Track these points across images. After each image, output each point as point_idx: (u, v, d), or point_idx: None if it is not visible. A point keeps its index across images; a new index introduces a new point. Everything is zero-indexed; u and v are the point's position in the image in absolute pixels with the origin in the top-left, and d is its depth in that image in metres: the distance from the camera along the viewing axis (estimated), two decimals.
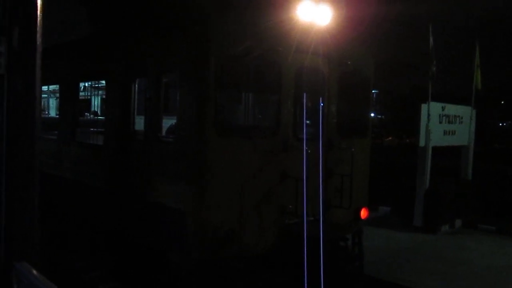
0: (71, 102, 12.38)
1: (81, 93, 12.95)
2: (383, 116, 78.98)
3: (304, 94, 9.20)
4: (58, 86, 13.93)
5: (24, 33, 4.32)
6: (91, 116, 14.30)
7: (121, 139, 10.09)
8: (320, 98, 9.74)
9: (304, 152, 8.71)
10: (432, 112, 16.37)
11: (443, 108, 17.20)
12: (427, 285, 11.38)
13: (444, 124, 17.34)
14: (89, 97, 13.95)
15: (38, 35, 4.33)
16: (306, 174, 8.83)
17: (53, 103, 18.28)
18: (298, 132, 9.34)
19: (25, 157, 4.43)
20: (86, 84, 13.00)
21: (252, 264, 8.71)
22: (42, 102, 17.07)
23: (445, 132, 17.45)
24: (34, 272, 4.06)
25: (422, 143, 16.41)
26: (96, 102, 14.32)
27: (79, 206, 11.98)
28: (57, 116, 13.89)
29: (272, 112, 9.86)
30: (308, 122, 9.91)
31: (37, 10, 4.34)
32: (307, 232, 8.50)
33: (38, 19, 4.35)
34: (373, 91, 11.79)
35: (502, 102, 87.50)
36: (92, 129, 12.11)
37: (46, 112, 18.29)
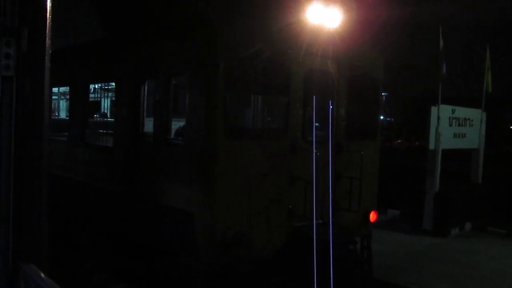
0: (81, 104, 12.41)
1: (91, 95, 12.96)
2: (392, 119, 78.70)
3: (313, 96, 9.18)
4: (68, 88, 13.97)
5: (33, 34, 4.33)
6: (101, 118, 14.32)
7: (130, 141, 10.10)
8: (330, 101, 9.71)
9: (314, 154, 8.69)
10: (442, 115, 16.30)
11: (453, 111, 17.12)
12: None
13: (454, 127, 17.26)
14: (99, 99, 13.97)
15: (47, 37, 4.34)
16: (316, 176, 8.81)
17: (63, 105, 18.33)
18: (307, 135, 9.32)
19: (34, 159, 4.43)
20: (96, 86, 13.01)
21: (260, 267, 8.69)
22: (53, 104, 17.13)
23: (455, 135, 17.37)
24: (42, 275, 4.06)
25: (432, 146, 16.34)
26: (105, 104, 14.35)
27: (88, 208, 11.99)
28: (67, 118, 13.92)
29: (281, 115, 9.84)
30: (317, 124, 9.89)
31: (46, 11, 4.34)
32: (316, 235, 8.48)
33: (47, 20, 4.35)
34: (382, 94, 11.74)
35: None
36: (101, 130, 12.13)
37: (57, 114, 18.35)
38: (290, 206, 9.00)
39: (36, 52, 4.35)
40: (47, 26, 4.36)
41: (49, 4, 4.37)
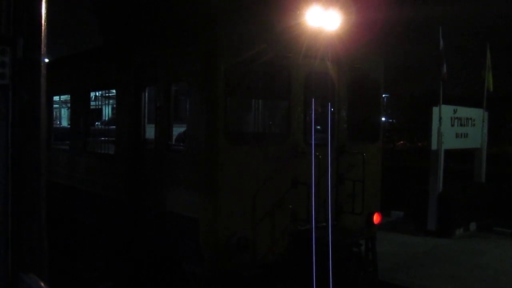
0: (82, 112, 12.42)
1: (92, 102, 12.97)
2: (394, 120, 78.65)
3: (313, 99, 9.17)
4: (69, 96, 14.01)
5: (28, 42, 4.33)
6: (102, 125, 14.33)
7: (131, 148, 10.09)
8: (330, 103, 9.70)
9: (313, 157, 8.67)
10: (443, 115, 16.25)
11: (454, 111, 17.07)
12: None
13: (456, 127, 17.20)
14: (100, 107, 13.99)
15: (43, 45, 4.34)
16: (317, 179, 8.79)
17: (64, 113, 18.36)
18: (308, 138, 9.30)
19: (32, 167, 4.43)
20: (97, 94, 13.04)
21: (265, 271, 8.66)
22: (54, 112, 17.15)
23: (457, 135, 17.32)
24: (42, 284, 4.04)
25: (434, 146, 16.29)
26: (107, 112, 14.37)
27: (91, 216, 11.98)
28: (69, 126, 13.95)
29: (282, 118, 9.83)
30: (319, 127, 9.88)
31: (41, 19, 4.34)
32: (319, 238, 8.47)
33: (43, 28, 4.36)
34: (383, 95, 11.72)
35: None
36: (103, 138, 12.14)
37: (58, 122, 18.38)
38: (291, 206, 8.96)
39: (32, 60, 4.35)
40: (43, 34, 4.37)
41: (44, 12, 4.37)
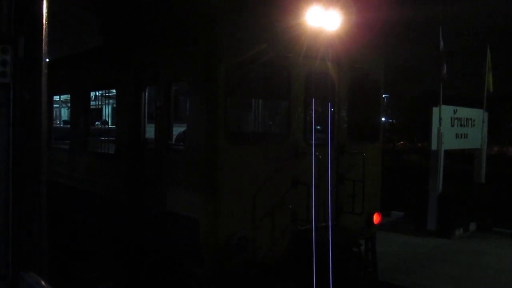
0: (82, 112, 12.42)
1: (92, 102, 12.98)
2: (394, 120, 78.55)
3: (313, 99, 9.17)
4: (69, 96, 14.02)
5: (29, 41, 4.34)
6: (102, 125, 14.33)
7: (131, 147, 10.09)
8: (330, 103, 9.69)
9: (313, 157, 8.67)
10: (443, 116, 16.26)
11: (454, 111, 17.09)
12: None
13: (456, 127, 17.22)
14: (100, 106, 13.99)
15: (44, 44, 4.35)
16: (317, 179, 8.79)
17: (64, 112, 18.39)
18: (309, 138, 9.30)
19: (33, 166, 4.43)
20: (97, 93, 13.05)
21: (265, 271, 8.66)
22: (54, 112, 17.17)
23: (457, 136, 17.33)
24: (43, 283, 4.04)
25: (434, 146, 16.30)
26: (107, 111, 14.37)
27: (91, 216, 11.98)
28: (69, 126, 13.95)
29: (282, 118, 9.83)
30: (319, 127, 9.88)
31: (42, 18, 4.36)
32: (320, 238, 8.48)
33: (44, 27, 4.37)
34: (383, 95, 11.72)
35: None
36: (103, 138, 12.14)
37: (58, 122, 18.40)
38: (291, 206, 8.96)
39: (33, 58, 4.36)
40: (44, 32, 4.37)
41: (45, 11, 4.38)
